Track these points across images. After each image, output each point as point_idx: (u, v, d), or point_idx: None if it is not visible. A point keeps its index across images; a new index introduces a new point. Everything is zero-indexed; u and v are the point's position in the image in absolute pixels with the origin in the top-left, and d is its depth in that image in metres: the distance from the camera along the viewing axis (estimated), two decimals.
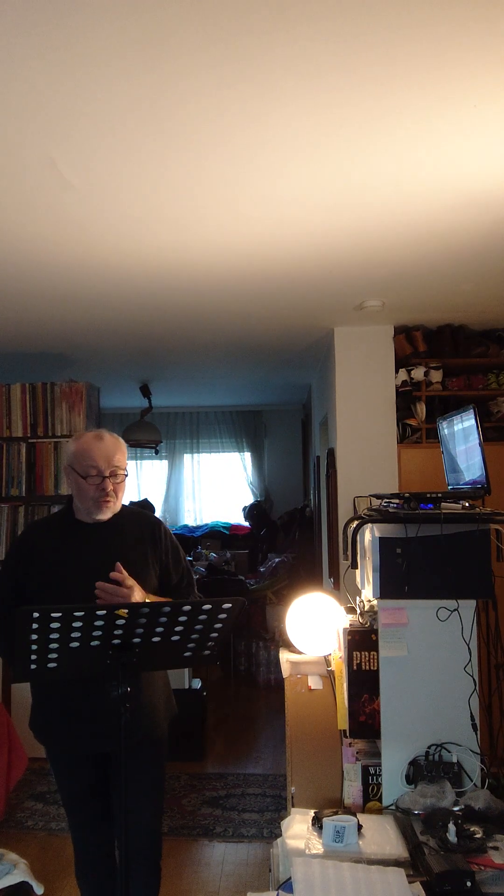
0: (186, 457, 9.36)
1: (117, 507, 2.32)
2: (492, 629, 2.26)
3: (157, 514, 8.56)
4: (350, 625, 2.35)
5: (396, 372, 4.44)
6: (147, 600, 2.16)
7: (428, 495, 2.25)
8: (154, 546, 2.37)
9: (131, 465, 8.74)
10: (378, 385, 4.45)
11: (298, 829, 1.94)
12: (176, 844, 3.50)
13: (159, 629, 1.89)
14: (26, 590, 2.28)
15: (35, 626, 1.79)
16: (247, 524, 8.92)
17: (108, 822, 2.34)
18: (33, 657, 1.87)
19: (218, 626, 1.95)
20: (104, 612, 1.82)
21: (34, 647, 1.84)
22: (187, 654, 2.01)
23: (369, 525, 2.27)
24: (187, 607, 1.89)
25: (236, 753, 4.71)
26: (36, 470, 4.67)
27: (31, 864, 3.09)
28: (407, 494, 2.29)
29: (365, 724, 2.20)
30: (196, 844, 3.55)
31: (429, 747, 2.10)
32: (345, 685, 2.28)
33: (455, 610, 2.13)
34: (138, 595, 2.16)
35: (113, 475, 2.25)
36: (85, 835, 2.37)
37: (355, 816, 1.90)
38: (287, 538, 8.02)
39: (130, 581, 2.17)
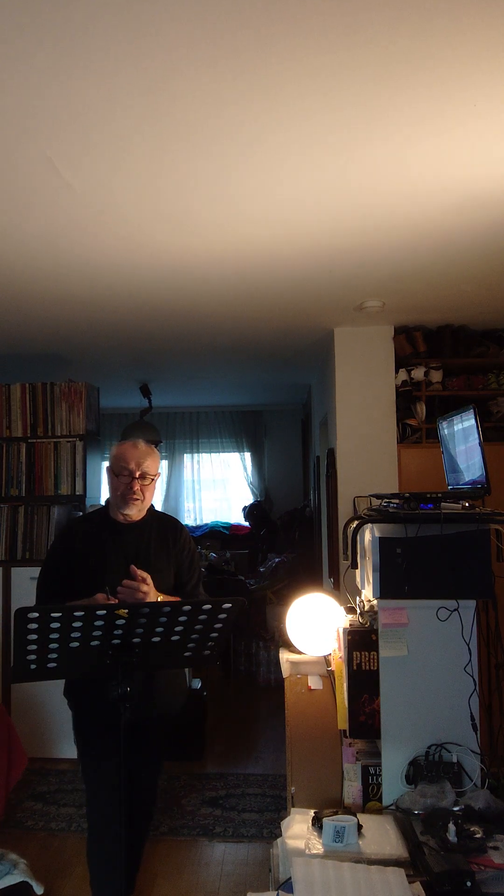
0: (186, 457, 9.35)
1: (144, 507, 2.62)
2: (492, 629, 2.26)
3: None
4: (350, 625, 2.35)
5: (396, 372, 4.44)
6: (159, 600, 2.27)
7: (428, 495, 2.25)
8: (174, 548, 2.66)
9: None
10: (378, 385, 4.45)
11: (298, 829, 1.94)
12: (175, 844, 3.50)
13: (159, 629, 1.90)
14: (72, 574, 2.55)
15: (34, 625, 1.79)
16: (247, 524, 8.91)
17: (118, 783, 2.43)
18: (33, 657, 1.87)
19: (218, 626, 1.95)
20: (104, 612, 1.82)
21: (34, 646, 1.84)
22: (187, 654, 2.01)
23: (369, 525, 2.27)
24: (187, 607, 1.89)
25: (236, 753, 4.70)
26: (35, 470, 4.66)
27: (31, 864, 3.09)
28: (407, 494, 2.29)
29: (365, 724, 2.20)
30: (196, 844, 3.54)
31: (429, 747, 2.10)
32: (345, 685, 2.28)
33: (455, 610, 2.13)
34: (153, 597, 2.32)
35: (141, 477, 2.58)
36: (100, 794, 2.54)
37: (355, 816, 1.90)
38: (287, 538, 8.01)
39: (148, 583, 2.36)
